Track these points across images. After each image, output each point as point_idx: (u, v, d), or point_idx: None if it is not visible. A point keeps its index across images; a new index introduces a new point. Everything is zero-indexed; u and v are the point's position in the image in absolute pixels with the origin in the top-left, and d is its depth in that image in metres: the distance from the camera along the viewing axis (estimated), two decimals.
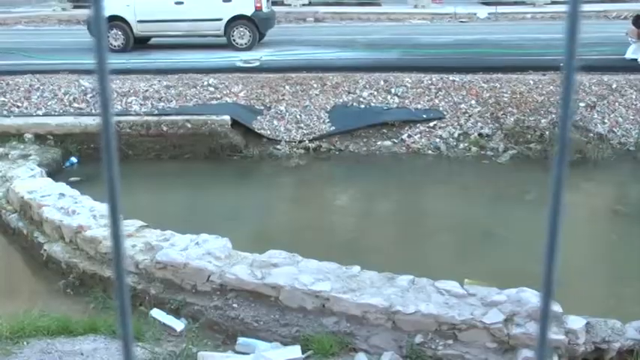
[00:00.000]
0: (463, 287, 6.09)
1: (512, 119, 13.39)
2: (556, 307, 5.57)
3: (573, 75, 0.91)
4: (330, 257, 7.12)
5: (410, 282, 6.21)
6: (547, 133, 12.82)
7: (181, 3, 17.69)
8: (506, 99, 13.82)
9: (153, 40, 18.48)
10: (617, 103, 13.84)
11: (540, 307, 0.97)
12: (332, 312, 6.14)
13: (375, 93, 14.17)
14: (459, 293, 5.95)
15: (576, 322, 5.55)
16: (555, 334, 5.36)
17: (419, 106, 13.91)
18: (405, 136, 13.45)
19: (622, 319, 6.09)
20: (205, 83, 14.48)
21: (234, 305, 6.63)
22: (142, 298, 7.08)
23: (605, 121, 13.49)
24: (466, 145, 13.18)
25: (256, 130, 13.54)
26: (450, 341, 5.62)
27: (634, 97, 13.98)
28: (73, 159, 12.74)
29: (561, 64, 0.94)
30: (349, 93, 14.25)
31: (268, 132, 13.57)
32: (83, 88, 14.19)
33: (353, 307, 5.99)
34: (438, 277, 6.48)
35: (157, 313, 6.93)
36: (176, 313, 6.92)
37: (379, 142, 13.39)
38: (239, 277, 6.64)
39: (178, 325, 6.73)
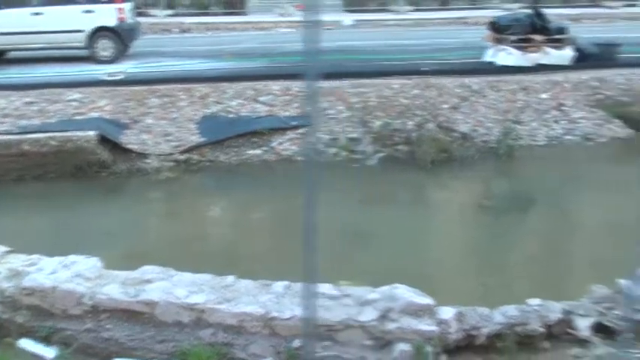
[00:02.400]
0: (338, 289, 6.15)
1: (379, 123, 13.71)
2: (428, 300, 5.72)
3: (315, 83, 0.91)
4: (205, 269, 7.00)
5: (285, 288, 6.19)
6: (413, 134, 13.22)
7: (40, 14, 16.97)
8: (373, 103, 14.14)
9: (11, 54, 17.65)
10: (478, 104, 14.46)
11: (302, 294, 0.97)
12: (208, 323, 6.04)
13: (244, 102, 14.14)
14: (334, 295, 5.99)
15: (447, 313, 5.72)
16: (427, 326, 5.51)
17: (288, 114, 14.00)
18: (275, 144, 13.48)
19: (490, 306, 6.35)
20: (69, 98, 13.97)
21: (108, 326, 6.40)
22: (7, 328, 6.71)
23: (468, 120, 14.04)
24: (336, 149, 13.37)
25: (124, 145, 13.18)
26: (328, 343, 5.65)
27: (493, 97, 14.66)
28: None
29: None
30: (218, 103, 14.15)
31: (136, 146, 13.23)
32: None
33: (229, 317, 5.91)
34: (314, 281, 6.50)
35: (25, 343, 6.57)
36: (46, 340, 6.59)
37: (250, 151, 13.35)
38: (111, 297, 6.41)
39: (49, 353, 6.41)
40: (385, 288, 6.02)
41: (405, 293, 5.83)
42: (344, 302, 5.91)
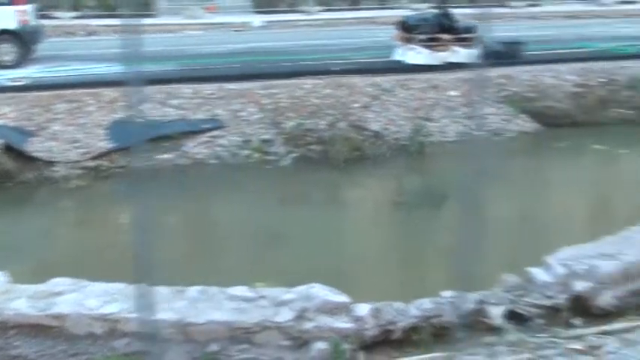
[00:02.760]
0: (253, 290, 6.11)
1: (291, 123, 13.72)
2: (343, 298, 5.75)
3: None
4: (120, 278, 6.85)
5: (200, 292, 6.12)
6: (326, 134, 13.29)
7: None
8: (284, 104, 14.14)
9: None
10: (389, 102, 14.66)
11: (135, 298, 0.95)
12: (123, 333, 5.90)
13: (155, 106, 13.89)
14: (250, 297, 5.96)
15: (363, 309, 5.77)
16: (344, 323, 5.54)
17: (199, 117, 13.84)
18: (187, 148, 13.30)
19: (406, 300, 6.44)
20: None
21: (16, 343, 6.17)
22: None
23: (380, 119, 14.22)
24: (249, 151, 13.30)
25: (30, 154, 12.73)
26: (245, 345, 5.61)
27: (404, 95, 14.89)
28: None
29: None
30: (127, 108, 13.86)
31: (43, 154, 12.81)
32: None
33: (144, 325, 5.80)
34: (230, 284, 6.45)
35: None
36: None
37: (161, 156, 13.14)
38: (19, 312, 6.18)
39: None
40: (301, 288, 6.02)
41: (321, 292, 5.84)
42: (260, 304, 5.88)
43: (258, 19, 26.21)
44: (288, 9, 29.05)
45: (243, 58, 17.18)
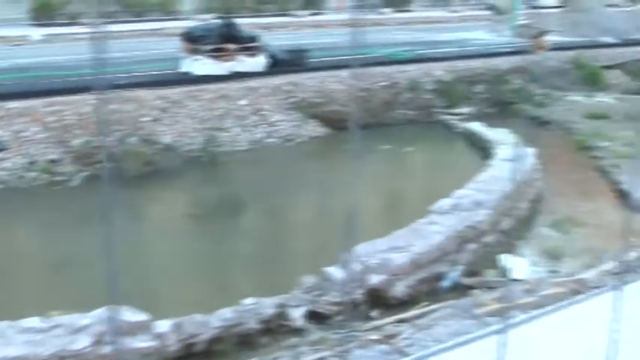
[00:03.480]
0: (46, 320, 5.81)
1: (79, 141, 13.16)
2: (143, 317, 5.64)
3: None
4: None
5: None
6: (116, 150, 12.88)
7: None
8: (71, 121, 13.53)
9: None
10: (179, 115, 14.51)
11: None
12: None
13: None
14: (44, 328, 5.67)
15: (163, 326, 5.69)
16: (144, 342, 5.43)
17: None
18: None
19: (207, 312, 6.43)
20: None
21: None
22: None
23: (171, 132, 14.04)
24: (36, 173, 12.58)
25: None
26: None
27: (194, 107, 14.81)
28: None
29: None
30: None
31: None
32: None
33: None
34: (21, 317, 6.08)
35: None
36: None
37: None
38: None
39: None
40: (97, 311, 5.82)
41: (119, 313, 5.68)
42: (55, 333, 5.61)
43: (37, 33, 24.86)
44: (68, 21, 27.82)
45: (23, 74, 16.20)
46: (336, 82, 16.83)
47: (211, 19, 25.42)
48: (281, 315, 6.96)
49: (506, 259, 8.90)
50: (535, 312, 6.49)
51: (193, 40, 16.45)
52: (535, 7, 35.69)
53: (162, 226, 10.84)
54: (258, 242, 10.51)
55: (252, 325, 6.41)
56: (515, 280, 8.42)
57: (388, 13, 34.82)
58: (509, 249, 9.50)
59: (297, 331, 7.24)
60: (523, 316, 6.42)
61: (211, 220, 11.01)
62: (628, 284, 6.84)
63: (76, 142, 13.14)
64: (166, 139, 13.79)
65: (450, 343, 6.11)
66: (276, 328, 7.08)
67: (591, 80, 20.02)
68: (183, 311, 6.65)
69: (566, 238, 10.02)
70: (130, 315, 5.68)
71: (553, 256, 9.31)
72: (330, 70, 17.25)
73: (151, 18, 30.45)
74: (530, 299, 7.01)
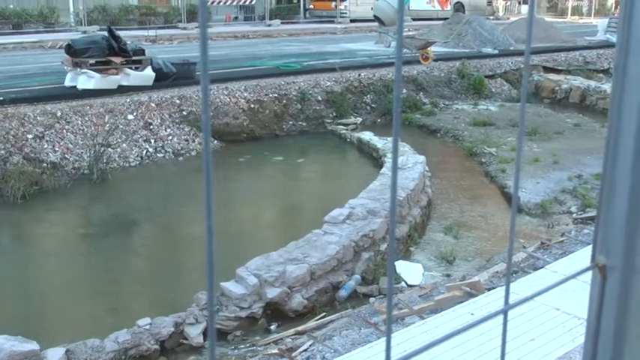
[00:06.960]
0: None
1: None
2: (32, 346, 5.38)
3: None
4: None
5: None
6: None
7: None
8: None
9: None
10: (65, 130, 14.01)
11: None
12: None
13: None
14: None
15: (55, 354, 5.44)
16: None
17: None
18: None
19: (102, 336, 6.21)
20: None
21: None
22: None
23: (57, 149, 13.54)
24: None
25: None
26: None
27: (79, 122, 14.33)
28: None
29: None
30: None
31: None
32: None
33: None
34: None
35: None
36: None
37: None
38: None
39: None
40: None
41: (6, 343, 5.40)
42: None
43: None
44: None
45: None
46: (225, 94, 16.74)
47: (95, 32, 24.85)
48: (179, 333, 6.81)
49: (402, 266, 9.06)
50: (431, 317, 6.63)
51: (77, 52, 15.89)
52: (421, 19, 36.91)
53: (51, 248, 10.41)
54: (153, 259, 10.28)
55: (150, 345, 6.24)
56: (410, 285, 8.59)
57: (276, 25, 35.04)
58: (404, 255, 9.69)
59: (197, 349, 7.11)
60: (419, 322, 6.54)
61: (103, 238, 10.67)
62: (515, 281, 7.12)
63: None
64: (52, 157, 13.28)
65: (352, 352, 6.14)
66: (174, 346, 6.93)
67: (475, 89, 20.80)
68: (77, 336, 6.40)
69: (458, 242, 10.31)
70: (19, 345, 5.41)
71: (447, 260, 9.56)
72: (220, 82, 17.17)
73: (30, 30, 29.41)
74: (426, 304, 7.15)
